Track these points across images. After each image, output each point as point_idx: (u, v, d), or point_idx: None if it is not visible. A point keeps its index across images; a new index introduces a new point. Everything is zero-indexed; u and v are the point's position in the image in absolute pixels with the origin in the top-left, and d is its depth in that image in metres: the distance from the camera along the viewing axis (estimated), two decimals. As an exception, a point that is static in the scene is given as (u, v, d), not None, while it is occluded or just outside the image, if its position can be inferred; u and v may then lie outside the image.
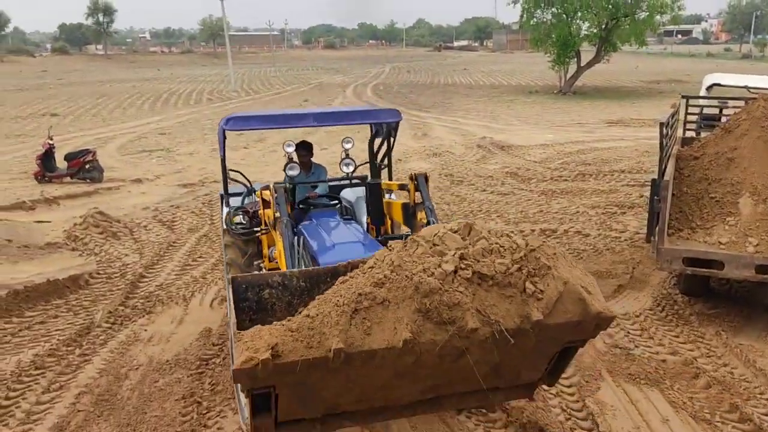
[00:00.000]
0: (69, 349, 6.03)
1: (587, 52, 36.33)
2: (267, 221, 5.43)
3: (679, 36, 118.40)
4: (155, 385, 5.40)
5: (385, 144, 6.36)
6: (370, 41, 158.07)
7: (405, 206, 5.41)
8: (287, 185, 5.48)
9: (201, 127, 22.46)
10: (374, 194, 5.80)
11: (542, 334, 3.08)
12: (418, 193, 5.24)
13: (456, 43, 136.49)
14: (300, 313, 3.02)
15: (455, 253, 3.04)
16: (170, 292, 7.45)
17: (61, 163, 13.73)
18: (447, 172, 13.93)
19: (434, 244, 3.11)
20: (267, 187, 5.41)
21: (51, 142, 13.62)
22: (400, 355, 2.90)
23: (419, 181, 5.23)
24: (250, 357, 2.76)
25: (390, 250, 3.23)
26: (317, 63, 75.56)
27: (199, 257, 8.65)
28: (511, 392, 3.79)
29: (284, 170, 5.76)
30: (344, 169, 6.05)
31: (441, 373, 3.19)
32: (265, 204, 5.46)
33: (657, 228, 6.23)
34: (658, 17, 33.21)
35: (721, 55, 77.42)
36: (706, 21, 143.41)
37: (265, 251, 5.77)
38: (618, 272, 7.74)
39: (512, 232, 3.30)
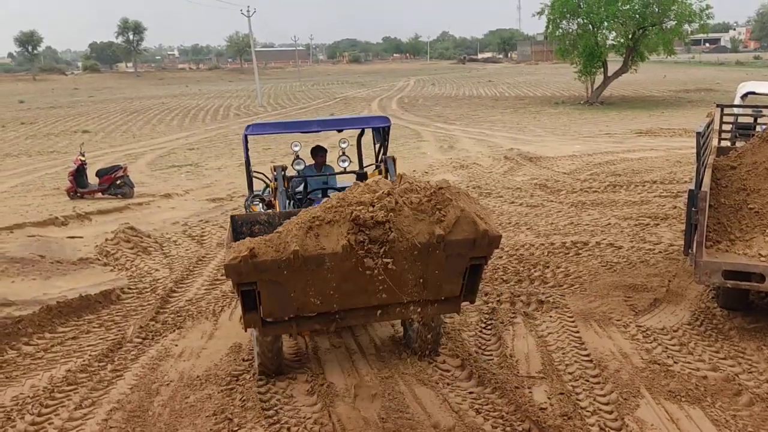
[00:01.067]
0: (101, 364, 6.05)
1: (614, 62, 35.99)
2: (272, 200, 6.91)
3: (707, 45, 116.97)
4: (186, 401, 5.38)
5: (380, 145, 7.61)
6: (395, 55, 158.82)
7: None
8: (284, 169, 6.76)
9: (229, 142, 22.69)
10: None
11: (448, 249, 4.18)
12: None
13: (480, 56, 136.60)
14: None
15: (384, 190, 4.21)
16: (200, 307, 7.45)
17: (92, 179, 13.94)
18: (475, 184, 13.84)
19: (371, 186, 4.33)
20: (272, 172, 6.80)
21: (83, 158, 13.85)
22: (342, 259, 4.01)
23: (387, 163, 6.70)
24: (236, 255, 3.95)
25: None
26: (342, 77, 76.09)
27: (229, 272, 8.65)
28: (440, 306, 4.80)
29: (292, 165, 7.10)
30: (341, 165, 7.31)
31: (380, 280, 4.20)
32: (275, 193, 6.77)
33: (695, 240, 6.06)
34: (686, 26, 32.84)
35: (750, 63, 76.12)
36: (734, 29, 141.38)
37: None
38: (653, 285, 7.56)
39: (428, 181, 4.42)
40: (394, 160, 6.76)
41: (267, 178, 7.54)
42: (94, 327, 6.97)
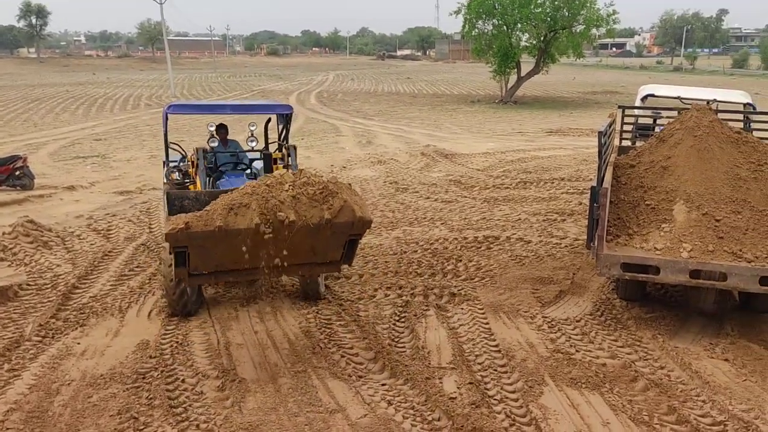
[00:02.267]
0: (-5, 364, 5.72)
1: (527, 63, 37.13)
2: (193, 175, 8.01)
3: (614, 49, 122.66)
4: (89, 400, 5.18)
5: (284, 129, 8.60)
6: (314, 49, 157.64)
7: (285, 167, 7.76)
8: (204, 150, 7.74)
9: (139, 133, 21.87)
10: (267, 162, 7.95)
11: (334, 229, 5.34)
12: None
13: (399, 53, 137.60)
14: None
15: (288, 183, 5.29)
16: (105, 304, 7.17)
17: (-12, 170, 13.09)
18: (392, 179, 13.95)
19: (277, 178, 5.37)
20: (194, 153, 7.92)
21: (-22, 147, 12.99)
22: (254, 233, 5.06)
23: (290, 150, 7.75)
24: (174, 227, 4.91)
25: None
26: (260, 70, 74.88)
27: (137, 267, 8.37)
28: (325, 267, 5.98)
29: (207, 142, 7.96)
30: (250, 144, 8.28)
31: (281, 248, 5.28)
32: (193, 165, 8.02)
33: (596, 234, 6.36)
34: (594, 30, 34.27)
35: (654, 67, 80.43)
36: (639, 35, 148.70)
37: None
38: (559, 278, 7.88)
39: (322, 176, 5.53)
40: (295, 148, 7.86)
41: (182, 150, 8.72)
42: (-12, 325, 6.57)
